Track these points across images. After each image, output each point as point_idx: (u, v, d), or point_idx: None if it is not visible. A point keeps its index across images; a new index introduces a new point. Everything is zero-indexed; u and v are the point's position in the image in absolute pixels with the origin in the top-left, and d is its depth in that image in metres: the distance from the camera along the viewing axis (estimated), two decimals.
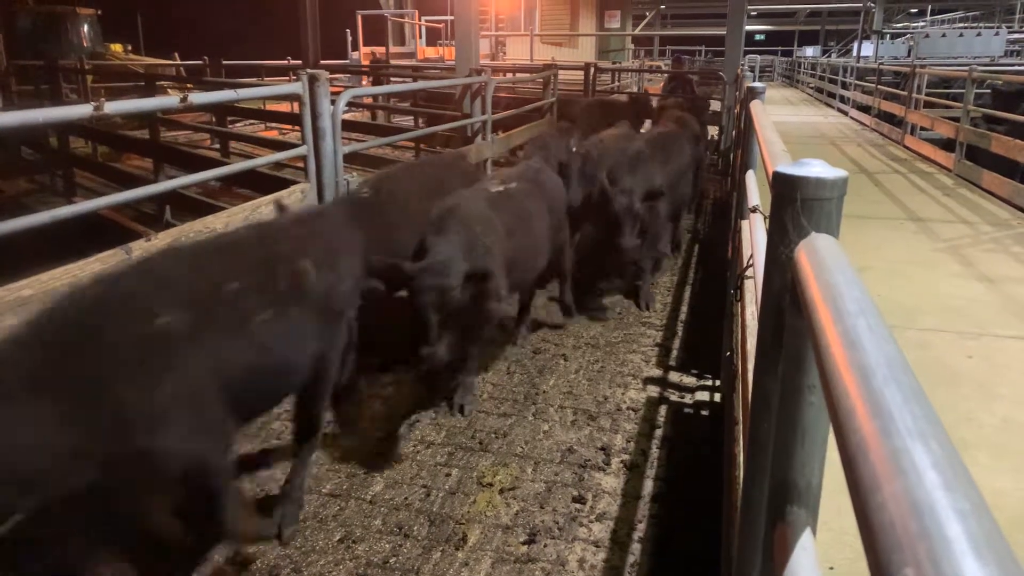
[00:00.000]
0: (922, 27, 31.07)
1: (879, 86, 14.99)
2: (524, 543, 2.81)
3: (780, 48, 42.61)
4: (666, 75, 13.43)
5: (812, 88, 26.11)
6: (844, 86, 19.20)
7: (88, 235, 3.76)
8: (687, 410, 3.93)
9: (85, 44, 17.63)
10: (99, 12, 18.60)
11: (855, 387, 0.57)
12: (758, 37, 45.56)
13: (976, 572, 0.37)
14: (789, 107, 21.03)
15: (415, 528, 2.90)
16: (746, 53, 23.59)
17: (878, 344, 0.62)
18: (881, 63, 18.14)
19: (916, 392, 0.54)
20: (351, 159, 5.51)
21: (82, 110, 2.83)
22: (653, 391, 4.10)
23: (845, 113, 18.08)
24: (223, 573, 2.67)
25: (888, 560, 0.41)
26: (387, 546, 2.80)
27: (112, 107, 2.97)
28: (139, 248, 2.99)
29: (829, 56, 35.18)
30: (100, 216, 6.63)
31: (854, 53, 28.32)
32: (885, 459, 0.47)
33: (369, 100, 13.26)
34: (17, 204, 8.44)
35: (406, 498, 3.09)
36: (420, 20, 21.73)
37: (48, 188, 9.29)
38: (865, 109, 16.11)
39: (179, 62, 14.89)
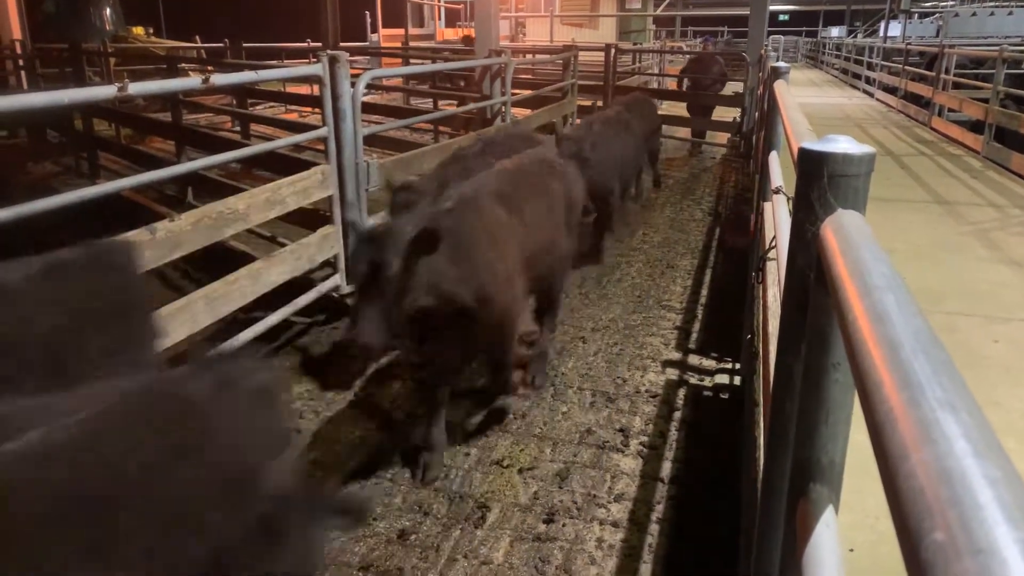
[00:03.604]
0: (951, 6, 30.38)
1: (906, 67, 14.71)
2: (543, 522, 2.83)
3: (804, 29, 41.92)
4: (688, 57, 13.24)
5: (837, 69, 25.69)
6: (870, 67, 18.87)
7: (112, 216, 3.81)
8: (706, 393, 3.92)
9: (107, 27, 17.77)
10: None
11: (883, 360, 0.57)
12: (782, 18, 44.85)
13: (1007, 537, 0.37)
14: (813, 88, 20.72)
15: (434, 506, 2.93)
16: (769, 34, 23.24)
17: (906, 318, 0.61)
18: (909, 43, 17.78)
19: (946, 364, 0.53)
20: (371, 141, 5.52)
21: (106, 91, 2.86)
22: (672, 374, 4.09)
23: (871, 95, 17.79)
24: None
25: (918, 526, 0.40)
26: (407, 523, 2.83)
27: (135, 88, 2.99)
28: (163, 228, 3.02)
29: (855, 36, 34.54)
30: (124, 197, 6.71)
31: (881, 33, 27.79)
32: (914, 428, 0.47)
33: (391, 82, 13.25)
34: (44, 185, 8.56)
35: None
36: (439, 1, 21.62)
37: (73, 170, 9.40)
38: (891, 91, 15.84)
39: (200, 44, 14.96)
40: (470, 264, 2.76)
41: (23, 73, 12.08)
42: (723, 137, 11.33)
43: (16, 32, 13.15)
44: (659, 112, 12.45)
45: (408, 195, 3.24)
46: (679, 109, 12.41)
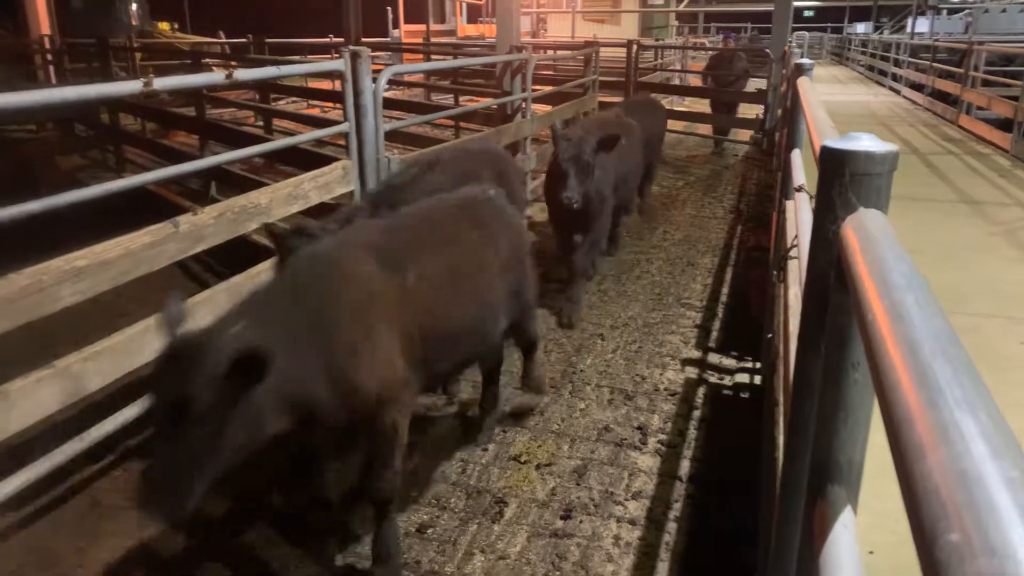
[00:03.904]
0: (981, 2, 29.84)
1: (934, 63, 14.49)
2: (560, 518, 2.84)
3: (830, 25, 41.40)
4: (711, 54, 13.12)
5: (863, 66, 25.36)
6: (896, 64, 18.61)
7: (137, 209, 3.86)
8: (726, 392, 3.90)
9: (134, 23, 18.00)
10: None
11: (902, 361, 0.57)
12: (807, 13, 44.26)
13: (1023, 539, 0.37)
14: (837, 85, 20.47)
15: (452, 500, 2.95)
16: (794, 30, 22.99)
17: (926, 318, 0.61)
18: (937, 40, 17.50)
19: (966, 365, 0.53)
20: (392, 136, 5.54)
21: (132, 86, 2.89)
22: (692, 372, 4.07)
23: (897, 92, 17.55)
24: (268, 537, 2.75)
25: (932, 527, 0.40)
26: (425, 517, 2.85)
27: (161, 83, 3.02)
28: (186, 222, 3.06)
29: (881, 33, 34.04)
30: (148, 191, 6.80)
31: (908, 29, 27.39)
32: (931, 429, 0.47)
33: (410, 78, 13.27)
34: (71, 179, 8.69)
35: (443, 471, 3.14)
36: None
37: (100, 163, 9.55)
38: (918, 88, 15.61)
39: (224, 40, 15.08)
40: (323, 361, 2.09)
41: (51, 68, 12.27)
42: (746, 134, 11.24)
43: (45, 27, 13.36)
44: (683, 107, 12.36)
45: (301, 242, 2.67)
46: (701, 106, 12.33)
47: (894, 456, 0.50)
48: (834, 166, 1.09)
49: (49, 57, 12.42)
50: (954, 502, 0.40)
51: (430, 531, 2.77)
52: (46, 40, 12.75)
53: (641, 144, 5.80)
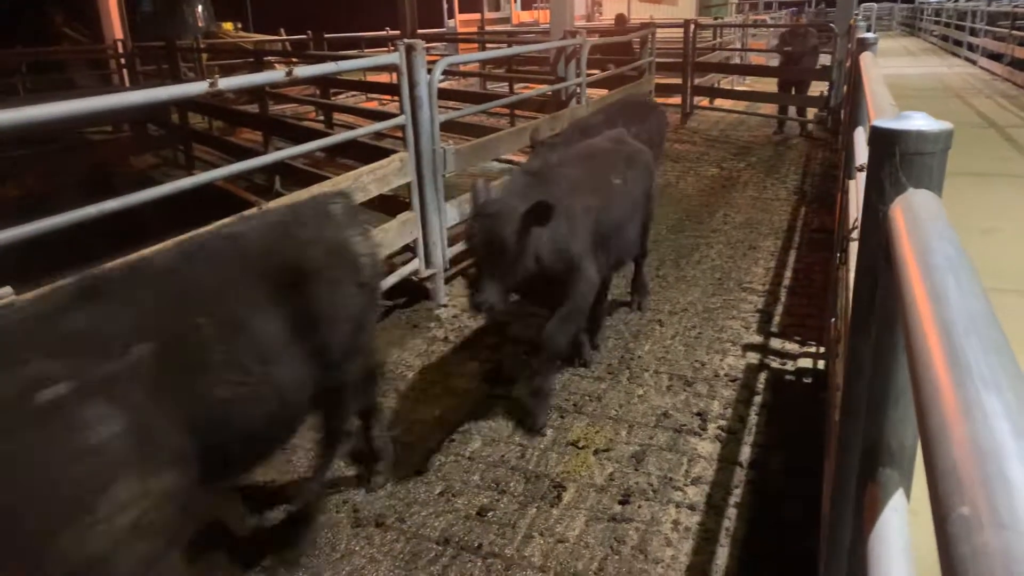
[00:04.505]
0: None
1: (1014, 31, 13.73)
2: (618, 503, 2.86)
3: None
4: (778, 31, 12.72)
5: (936, 37, 24.20)
6: (973, 33, 17.69)
7: (205, 205, 4.02)
8: (788, 377, 3.83)
9: (200, 24, 18.60)
10: None
11: (936, 340, 0.57)
12: None
13: None
14: (908, 57, 19.61)
15: (511, 484, 3.00)
16: (861, 2, 22.07)
17: (963, 299, 0.61)
18: (1017, 6, 16.57)
19: (998, 345, 0.53)
20: (447, 127, 5.60)
21: (199, 87, 3.03)
22: (753, 358, 4.01)
23: (973, 62, 16.70)
24: (333, 519, 2.86)
25: (947, 500, 0.41)
26: (484, 500, 2.91)
27: (225, 83, 3.15)
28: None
29: (956, 1, 32.38)
30: (216, 187, 7.06)
31: None
32: (957, 408, 0.47)
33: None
34: (145, 177, 9.08)
35: (503, 455, 3.19)
36: None
37: (171, 162, 9.94)
38: (996, 57, 14.82)
39: (284, 37, 15.45)
40: None
41: (124, 71, 12.82)
42: (810, 112, 10.91)
43: (118, 32, 13.96)
44: (744, 87, 12.04)
45: None
46: (762, 84, 12.01)
47: (921, 434, 0.51)
48: (884, 146, 1.07)
49: (122, 61, 12.97)
50: (970, 478, 0.41)
51: (490, 514, 2.83)
52: (119, 44, 13.32)
53: (645, 172, 4.07)
